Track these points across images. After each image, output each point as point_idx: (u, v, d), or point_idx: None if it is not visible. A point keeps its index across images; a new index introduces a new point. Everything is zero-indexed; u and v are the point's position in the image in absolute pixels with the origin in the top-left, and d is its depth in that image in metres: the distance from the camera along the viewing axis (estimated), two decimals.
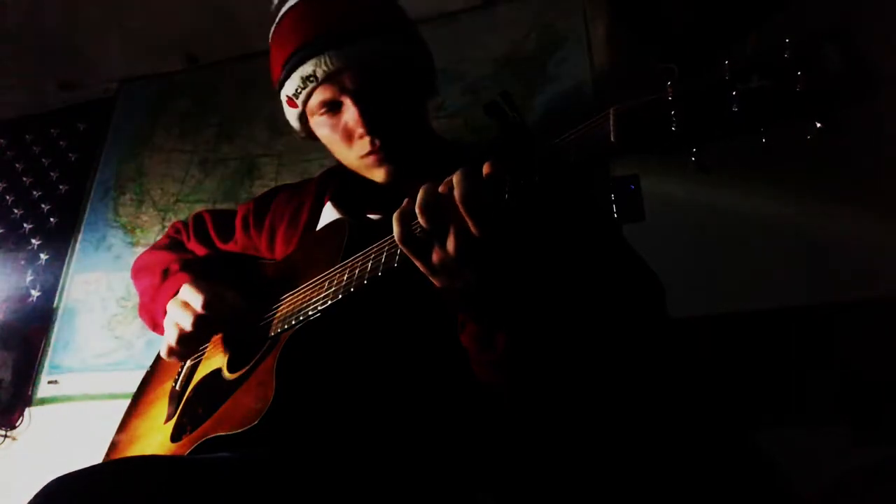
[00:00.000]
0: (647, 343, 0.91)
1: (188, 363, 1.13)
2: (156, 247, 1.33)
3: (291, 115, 1.16)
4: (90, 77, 2.55)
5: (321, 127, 1.11)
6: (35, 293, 2.24)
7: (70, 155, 2.49)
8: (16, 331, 2.18)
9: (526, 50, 1.94)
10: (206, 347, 1.14)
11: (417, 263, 0.76)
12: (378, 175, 1.09)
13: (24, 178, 2.50)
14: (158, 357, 1.26)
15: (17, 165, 2.55)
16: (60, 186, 2.44)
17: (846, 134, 0.53)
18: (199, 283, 1.05)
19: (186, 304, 1.04)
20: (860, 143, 1.39)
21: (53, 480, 0.72)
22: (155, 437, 1.06)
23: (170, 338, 1.04)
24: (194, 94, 2.42)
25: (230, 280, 1.13)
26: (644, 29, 1.80)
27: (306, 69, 1.05)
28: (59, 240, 2.32)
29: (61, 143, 2.53)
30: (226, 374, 1.03)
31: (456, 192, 0.70)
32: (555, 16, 1.94)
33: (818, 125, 0.52)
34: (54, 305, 2.19)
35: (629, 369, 0.88)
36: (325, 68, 1.03)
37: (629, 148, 0.61)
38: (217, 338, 1.11)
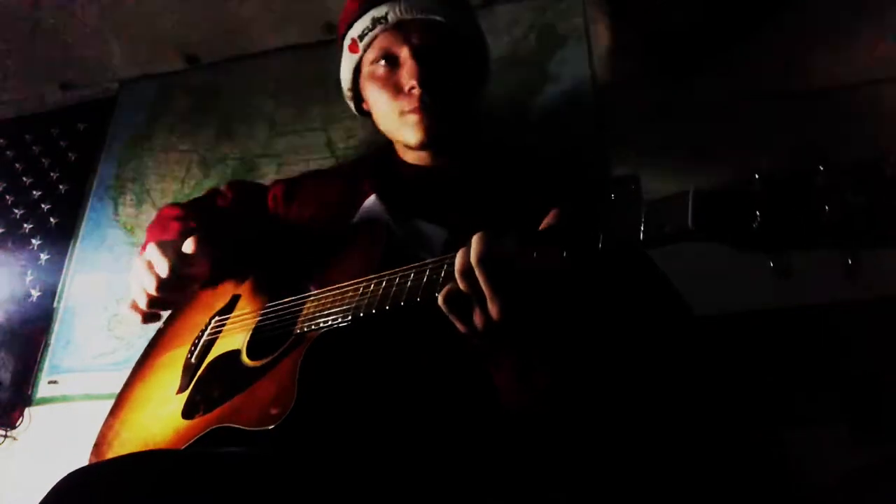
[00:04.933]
0: (677, 362, 0.92)
1: (205, 337, 1.12)
2: (177, 203, 1.35)
3: (347, 63, 1.21)
4: (90, 77, 2.55)
5: (372, 78, 1.15)
6: (35, 293, 2.24)
7: (70, 155, 2.49)
8: (16, 331, 2.18)
9: (526, 50, 1.93)
10: (223, 324, 1.12)
11: (457, 324, 0.76)
12: (414, 135, 1.11)
13: (24, 178, 2.50)
14: (171, 317, 1.26)
15: (17, 165, 2.54)
16: (60, 186, 2.43)
17: None
18: (166, 245, 1.05)
19: (151, 266, 1.03)
20: (860, 143, 1.39)
21: (70, 474, 0.72)
22: (165, 406, 1.05)
23: (137, 298, 1.05)
24: (194, 94, 2.42)
25: (255, 254, 1.13)
26: (644, 29, 1.80)
27: (380, 10, 1.11)
28: (59, 240, 2.31)
29: (61, 143, 2.52)
30: (245, 359, 1.02)
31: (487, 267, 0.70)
32: (555, 16, 1.93)
33: None
34: (54, 305, 2.19)
35: (656, 389, 0.89)
36: (397, 14, 1.10)
37: (705, 237, 0.57)
38: (239, 317, 1.10)
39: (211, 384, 1.03)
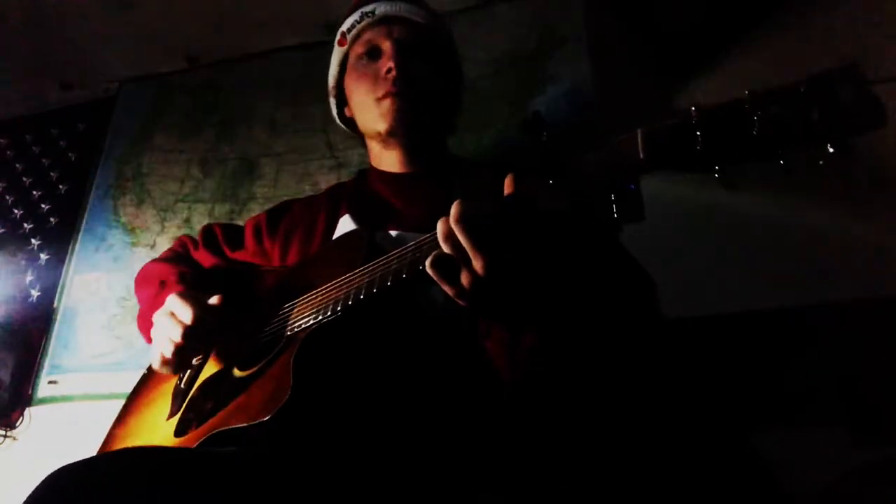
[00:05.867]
0: (647, 336, 0.94)
1: (194, 362, 1.13)
2: (158, 259, 1.33)
3: (335, 58, 1.30)
4: (90, 77, 2.55)
5: (355, 69, 1.23)
6: (35, 293, 2.24)
7: (70, 155, 2.49)
8: (16, 331, 2.18)
9: (526, 50, 1.93)
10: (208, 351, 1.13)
11: (445, 287, 0.78)
12: (384, 121, 1.15)
13: (24, 178, 2.50)
14: None
15: (17, 165, 2.55)
16: (60, 186, 2.44)
17: (854, 155, 0.57)
18: (187, 295, 1.06)
19: (174, 316, 1.03)
20: (859, 143, 1.39)
21: (57, 470, 0.72)
22: (157, 432, 1.06)
23: (163, 349, 1.04)
24: (194, 94, 2.42)
25: (230, 290, 1.13)
26: (644, 29, 1.80)
27: (368, 7, 1.22)
28: (59, 240, 2.32)
29: (61, 143, 2.53)
30: (236, 372, 1.02)
31: (488, 219, 0.74)
32: (555, 16, 1.93)
33: (831, 150, 0.57)
34: (54, 305, 2.19)
35: (634, 362, 0.90)
36: (384, 9, 1.20)
37: (656, 165, 0.65)
38: (225, 340, 1.11)
39: (203, 401, 1.03)
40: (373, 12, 1.21)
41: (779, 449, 1.28)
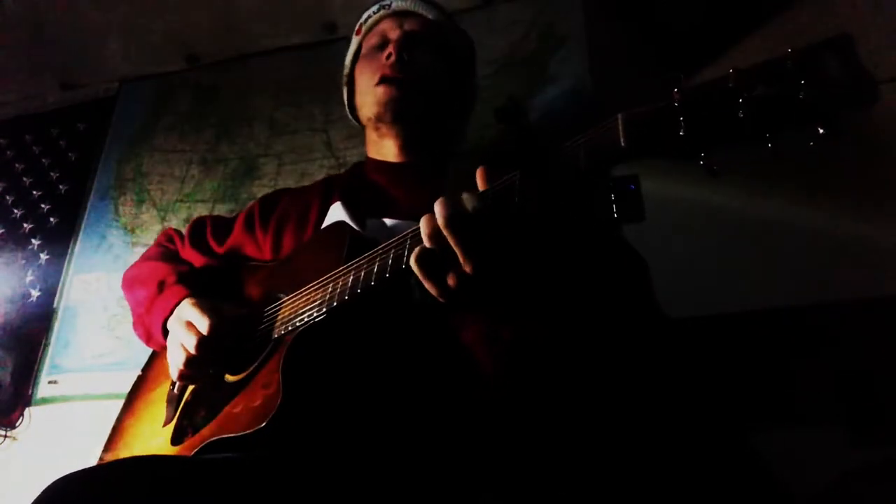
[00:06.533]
0: (639, 320, 0.93)
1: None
2: (147, 257, 1.30)
3: (351, 47, 1.34)
4: (90, 77, 2.55)
5: (363, 59, 1.27)
6: (35, 293, 2.24)
7: (70, 155, 2.49)
8: (16, 331, 2.18)
9: (526, 50, 1.93)
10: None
11: (429, 285, 0.77)
12: (375, 107, 1.17)
13: (24, 178, 2.50)
14: (152, 358, 1.25)
15: (17, 165, 2.55)
16: (60, 186, 2.44)
17: (846, 136, 0.53)
18: (202, 304, 1.04)
19: (191, 325, 1.02)
20: (859, 143, 1.39)
21: (58, 479, 0.71)
22: (154, 439, 1.06)
23: (177, 361, 1.03)
24: (194, 94, 2.42)
25: (227, 290, 1.13)
26: (644, 29, 1.80)
27: (385, 1, 1.27)
28: (59, 240, 2.31)
29: (61, 143, 2.52)
30: (227, 377, 1.02)
31: (465, 223, 0.73)
32: (555, 16, 1.93)
33: (821, 131, 0.53)
34: (54, 305, 2.19)
35: (623, 355, 0.90)
36: (400, 3, 1.26)
37: (639, 152, 0.63)
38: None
39: (196, 408, 1.02)
40: (389, 5, 1.26)
41: (779, 449, 1.28)
